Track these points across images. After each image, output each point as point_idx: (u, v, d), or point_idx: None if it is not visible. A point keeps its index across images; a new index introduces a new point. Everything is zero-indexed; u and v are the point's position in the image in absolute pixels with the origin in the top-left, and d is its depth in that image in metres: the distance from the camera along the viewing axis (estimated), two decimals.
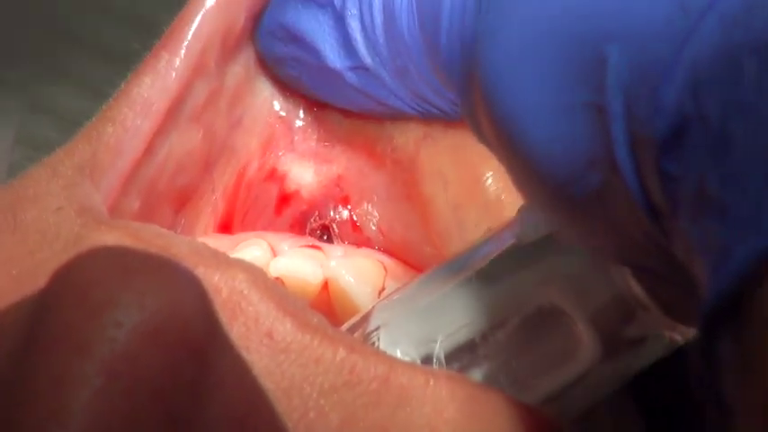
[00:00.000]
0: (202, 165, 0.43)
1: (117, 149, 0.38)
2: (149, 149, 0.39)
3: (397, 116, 0.42)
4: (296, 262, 0.40)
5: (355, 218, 0.44)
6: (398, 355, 0.33)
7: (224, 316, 0.26)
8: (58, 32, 0.62)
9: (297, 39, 0.40)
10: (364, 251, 0.43)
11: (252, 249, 0.40)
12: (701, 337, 0.21)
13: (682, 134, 0.21)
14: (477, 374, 0.32)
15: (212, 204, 0.44)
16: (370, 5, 0.38)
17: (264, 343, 0.30)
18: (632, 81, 0.22)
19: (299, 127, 0.44)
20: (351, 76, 0.40)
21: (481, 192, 0.41)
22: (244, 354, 0.26)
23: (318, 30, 0.39)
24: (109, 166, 0.37)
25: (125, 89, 0.38)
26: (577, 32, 0.23)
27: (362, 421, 0.29)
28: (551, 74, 0.24)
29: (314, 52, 0.40)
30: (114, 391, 0.22)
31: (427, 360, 0.33)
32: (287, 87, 0.44)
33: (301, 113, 0.45)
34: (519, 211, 0.35)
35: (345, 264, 0.40)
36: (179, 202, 0.42)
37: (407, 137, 0.43)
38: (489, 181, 0.41)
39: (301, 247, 0.41)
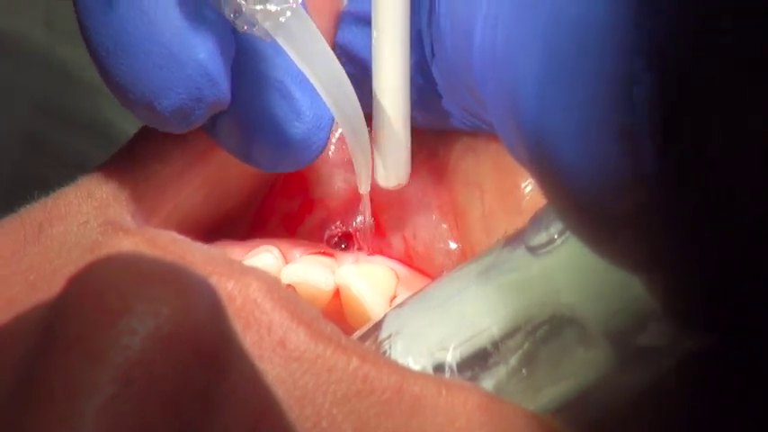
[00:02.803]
0: (247, 192, 0.43)
1: (162, 189, 0.38)
2: (196, 188, 0.39)
3: (447, 129, 0.42)
4: (307, 269, 0.40)
5: (381, 225, 0.44)
6: (410, 363, 0.33)
7: (237, 324, 0.26)
8: None
9: (351, 57, 0.40)
10: (376, 258, 0.43)
11: (263, 256, 0.40)
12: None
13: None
14: (488, 382, 0.32)
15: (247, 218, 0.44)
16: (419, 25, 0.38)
17: (277, 352, 0.30)
18: (660, 100, 0.22)
19: (339, 137, 0.43)
20: None
21: (516, 199, 0.40)
22: (256, 362, 0.26)
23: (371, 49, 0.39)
24: (150, 202, 0.37)
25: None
26: (605, 51, 0.23)
27: (375, 431, 0.29)
28: (579, 93, 0.24)
29: (368, 71, 0.39)
30: (127, 398, 0.22)
31: (439, 368, 0.33)
32: None
33: None
34: (532, 218, 0.34)
35: (357, 271, 0.40)
36: (215, 225, 0.42)
37: (449, 148, 0.43)
38: (528, 188, 0.40)
39: (313, 254, 0.41)
